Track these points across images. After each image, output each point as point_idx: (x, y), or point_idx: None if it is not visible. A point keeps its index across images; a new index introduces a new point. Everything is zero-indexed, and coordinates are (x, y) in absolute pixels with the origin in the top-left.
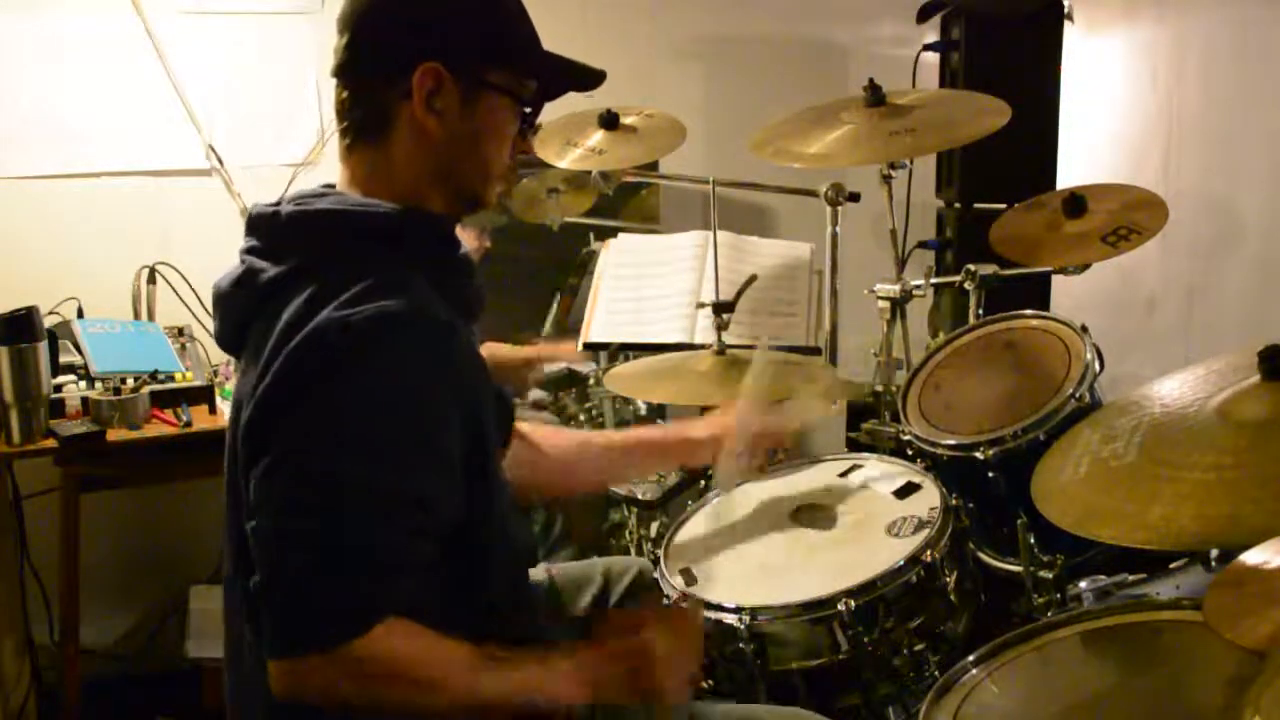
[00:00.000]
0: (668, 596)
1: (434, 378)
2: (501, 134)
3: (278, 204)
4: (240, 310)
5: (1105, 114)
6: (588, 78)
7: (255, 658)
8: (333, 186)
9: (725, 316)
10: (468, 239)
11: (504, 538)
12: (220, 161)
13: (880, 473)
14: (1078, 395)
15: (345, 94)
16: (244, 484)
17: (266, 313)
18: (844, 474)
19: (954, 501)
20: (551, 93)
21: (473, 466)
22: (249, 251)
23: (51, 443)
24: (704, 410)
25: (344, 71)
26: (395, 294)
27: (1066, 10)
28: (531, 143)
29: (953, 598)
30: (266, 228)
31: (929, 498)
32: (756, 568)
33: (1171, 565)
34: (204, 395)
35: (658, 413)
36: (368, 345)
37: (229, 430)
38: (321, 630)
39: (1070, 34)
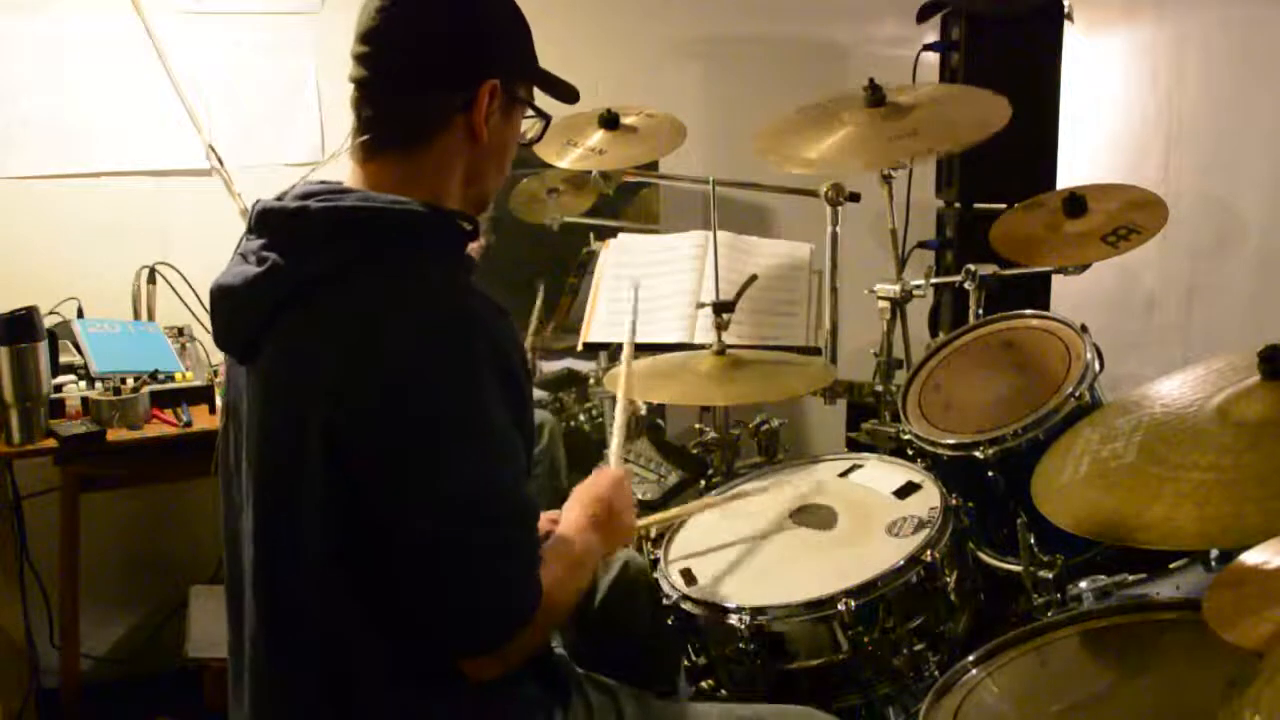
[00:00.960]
0: (668, 596)
1: (517, 360)
2: (515, 141)
3: (283, 200)
4: (260, 309)
5: (1105, 114)
6: (570, 92)
7: (264, 658)
8: (336, 184)
9: (725, 316)
10: None
11: None
12: (220, 161)
13: (880, 473)
14: (1077, 395)
15: (384, 103)
16: (322, 489)
17: (302, 312)
18: (844, 474)
19: (954, 501)
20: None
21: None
22: (266, 248)
23: (51, 443)
24: (704, 410)
25: (389, 82)
26: (460, 289)
27: (1066, 10)
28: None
29: (953, 598)
30: (287, 225)
31: (929, 498)
32: (756, 568)
33: (1171, 565)
34: (204, 395)
35: (658, 413)
36: (477, 339)
37: (255, 436)
38: (530, 604)
39: (1070, 34)
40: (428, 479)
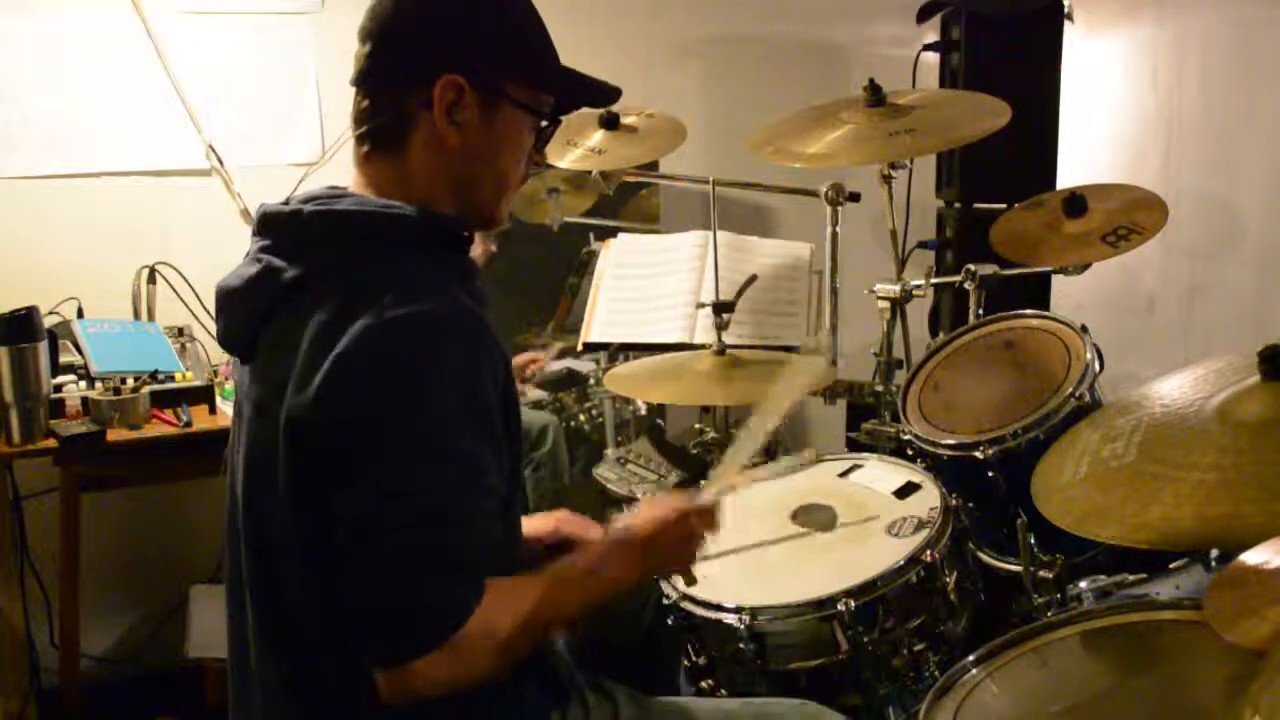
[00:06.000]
0: (668, 596)
1: (488, 373)
2: (517, 147)
3: (288, 204)
4: (256, 309)
5: (1105, 114)
6: (603, 94)
7: (261, 657)
8: (340, 189)
9: (725, 316)
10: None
11: (517, 520)
12: (220, 161)
13: (880, 473)
14: (1078, 395)
15: (365, 102)
16: (286, 484)
17: (289, 312)
18: (844, 474)
19: (954, 501)
20: (567, 108)
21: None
22: (264, 250)
23: (51, 443)
24: (704, 410)
25: (365, 80)
26: (440, 294)
27: (1066, 10)
28: (545, 156)
29: (953, 598)
30: (284, 227)
31: (929, 498)
32: (756, 568)
33: (1171, 565)
34: (204, 395)
35: (658, 413)
36: (436, 343)
37: (245, 433)
38: (438, 626)
39: (1070, 34)
40: (358, 474)
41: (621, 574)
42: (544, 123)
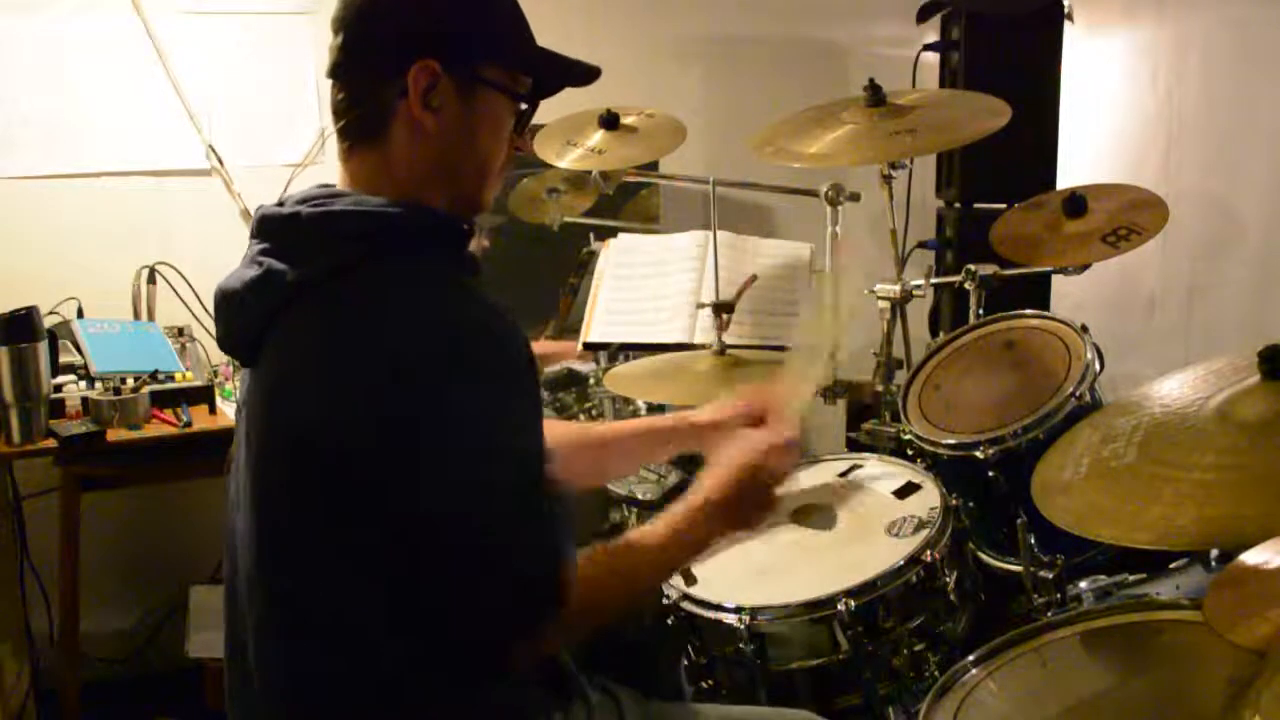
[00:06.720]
0: (667, 596)
1: (513, 360)
2: (498, 131)
3: (283, 205)
4: (259, 315)
5: (1105, 114)
6: (583, 74)
7: (258, 656)
8: (331, 186)
9: (725, 316)
10: None
11: None
12: (220, 161)
13: (880, 473)
14: (1078, 395)
15: (341, 94)
16: (290, 488)
17: (292, 316)
18: (844, 474)
19: (954, 501)
20: (547, 89)
21: None
22: (264, 253)
23: (51, 443)
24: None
25: (339, 72)
26: (443, 294)
27: (1066, 10)
28: (528, 141)
29: (953, 598)
30: (283, 230)
31: (929, 498)
32: (756, 568)
33: (1171, 565)
34: (204, 395)
35: (657, 413)
36: (490, 335)
37: (247, 436)
38: (553, 591)
39: (1070, 34)
40: (410, 481)
41: (707, 538)
42: (523, 105)
